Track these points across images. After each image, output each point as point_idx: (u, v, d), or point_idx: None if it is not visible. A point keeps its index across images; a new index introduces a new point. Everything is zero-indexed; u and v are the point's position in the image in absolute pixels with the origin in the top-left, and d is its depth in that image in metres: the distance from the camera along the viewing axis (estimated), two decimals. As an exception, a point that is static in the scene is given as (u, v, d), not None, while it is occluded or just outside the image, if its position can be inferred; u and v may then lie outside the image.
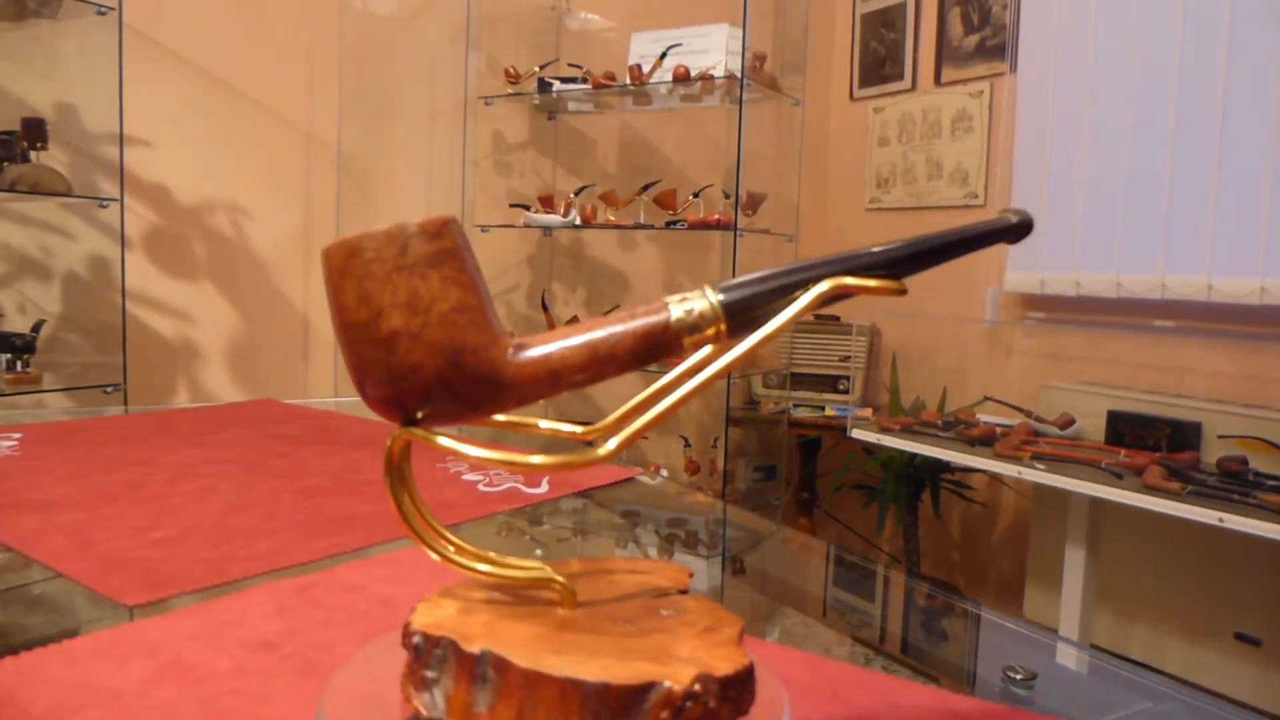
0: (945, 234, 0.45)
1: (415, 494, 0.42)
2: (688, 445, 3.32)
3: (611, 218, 3.01)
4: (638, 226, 3.00)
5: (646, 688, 0.33)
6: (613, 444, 0.39)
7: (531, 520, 0.99)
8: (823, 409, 3.30)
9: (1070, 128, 2.67)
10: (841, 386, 3.31)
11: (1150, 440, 2.44)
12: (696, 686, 0.33)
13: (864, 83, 3.30)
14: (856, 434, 2.73)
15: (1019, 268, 2.82)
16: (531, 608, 0.41)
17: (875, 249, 0.45)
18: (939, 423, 2.68)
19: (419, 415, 0.41)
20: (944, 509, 3.06)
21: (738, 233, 2.74)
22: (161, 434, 1.27)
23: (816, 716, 0.53)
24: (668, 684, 0.33)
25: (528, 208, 3.11)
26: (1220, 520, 1.88)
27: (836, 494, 3.41)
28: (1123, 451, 2.30)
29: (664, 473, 3.15)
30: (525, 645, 0.37)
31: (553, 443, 1.40)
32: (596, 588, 0.40)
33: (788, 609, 0.86)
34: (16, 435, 1.18)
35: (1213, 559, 2.35)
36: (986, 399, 2.80)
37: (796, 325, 3.32)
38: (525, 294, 3.45)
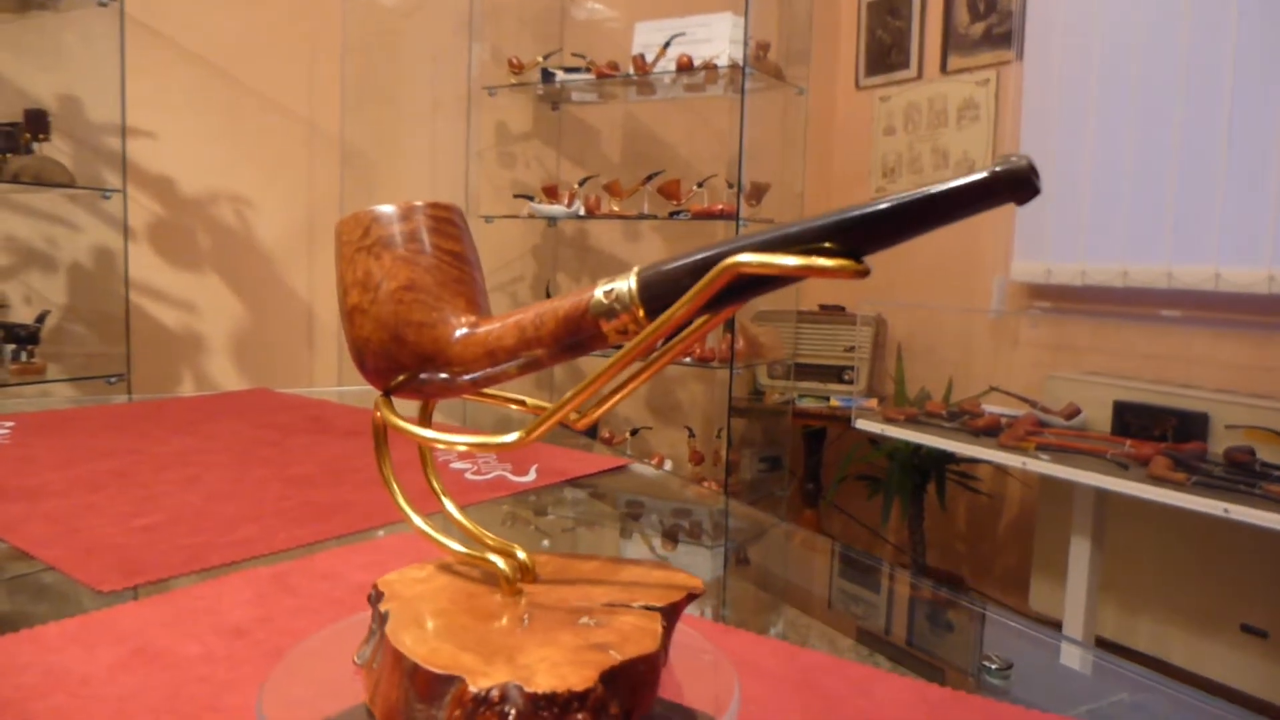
0: (911, 195, 0.34)
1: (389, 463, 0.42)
2: (692, 435, 3.31)
3: (615, 208, 3.00)
4: (641, 217, 2.99)
5: (449, 680, 0.33)
6: (512, 437, 0.39)
7: (534, 509, 0.98)
8: (828, 399, 3.29)
9: (1077, 116, 2.65)
10: (847, 377, 3.29)
11: (1157, 431, 2.42)
12: (494, 693, 0.32)
13: (870, 71, 3.27)
14: (861, 424, 2.72)
15: (1025, 257, 2.79)
16: (487, 589, 0.41)
17: (816, 219, 0.36)
18: (944, 413, 2.67)
19: (390, 385, 0.42)
20: (949, 500, 3.04)
21: (741, 222, 2.73)
22: (153, 423, 1.27)
23: (785, 706, 0.53)
24: (466, 682, 0.33)
25: (532, 198, 3.10)
26: (1226, 511, 1.86)
27: (841, 485, 3.40)
28: (1128, 442, 2.28)
29: (668, 463, 3.15)
30: (421, 614, 0.38)
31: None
32: (566, 585, 0.40)
33: (782, 601, 0.86)
34: (9, 424, 1.18)
35: (1219, 550, 2.33)
36: (992, 389, 2.78)
37: (800, 315, 3.31)
38: (530, 285, 3.45)
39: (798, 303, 3.43)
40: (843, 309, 3.34)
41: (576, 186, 3.07)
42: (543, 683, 0.32)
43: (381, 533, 0.85)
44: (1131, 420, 2.48)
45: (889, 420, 2.67)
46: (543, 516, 1.02)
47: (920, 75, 3.10)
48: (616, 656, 0.32)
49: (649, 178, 2.93)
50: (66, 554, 0.75)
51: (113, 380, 2.43)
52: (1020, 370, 2.88)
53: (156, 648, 0.60)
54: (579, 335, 0.37)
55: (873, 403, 3.12)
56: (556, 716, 0.31)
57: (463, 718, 0.32)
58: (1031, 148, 2.75)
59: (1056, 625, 2.36)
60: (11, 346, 2.29)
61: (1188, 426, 2.37)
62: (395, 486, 0.43)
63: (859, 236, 0.34)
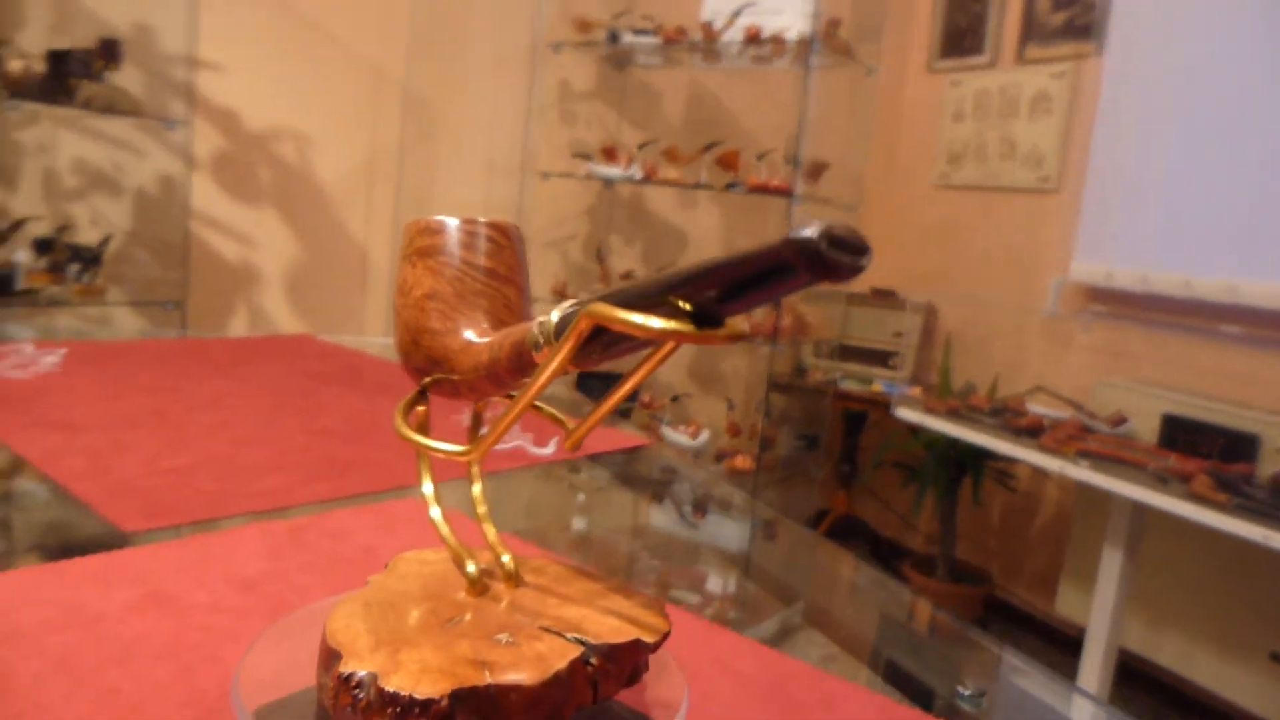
0: (701, 265, 0.31)
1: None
2: (731, 407, 3.31)
3: (673, 175, 2.98)
4: (698, 186, 2.97)
5: (335, 655, 0.37)
6: (460, 448, 0.41)
7: (551, 482, 1.00)
8: (871, 383, 3.26)
9: (1153, 117, 2.56)
10: (892, 363, 3.26)
11: (1204, 448, 2.37)
12: (356, 677, 0.35)
13: (943, 54, 3.19)
14: (902, 413, 2.70)
15: (1086, 258, 2.73)
16: (464, 586, 0.43)
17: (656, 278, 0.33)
18: (987, 409, 2.63)
19: (421, 384, 0.44)
20: (984, 495, 3.01)
21: (795, 200, 2.70)
22: (196, 362, 1.31)
23: (749, 713, 0.54)
24: (342, 659, 0.36)
25: (590, 159, 3.10)
26: (1265, 538, 1.82)
27: (877, 470, 3.39)
28: (1173, 456, 2.23)
29: (705, 433, 3.16)
30: (387, 593, 0.42)
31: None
32: (533, 598, 0.41)
33: (781, 602, 0.87)
34: (61, 351, 1.23)
35: (1256, 575, 2.28)
36: (1038, 389, 2.74)
37: (850, 297, 3.28)
38: (582, 244, 3.46)
39: (847, 287, 3.39)
40: (894, 294, 3.30)
41: (635, 150, 3.06)
42: (396, 682, 0.34)
43: (396, 496, 0.87)
44: (1179, 435, 2.43)
45: (930, 411, 2.64)
46: (557, 489, 1.04)
47: (995, 62, 3.01)
48: (485, 679, 0.34)
49: (708, 146, 2.90)
50: (97, 490, 0.79)
51: (169, 307, 2.51)
52: (1070, 372, 2.83)
53: (168, 593, 0.63)
54: (522, 362, 0.38)
55: (916, 391, 3.09)
56: (398, 715, 0.33)
57: (333, 691, 0.35)
58: (1104, 146, 2.67)
59: (1081, 631, 2.34)
60: (75, 267, 2.37)
61: (1236, 447, 2.31)
62: (426, 471, 0.45)
63: (690, 296, 0.31)
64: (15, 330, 2.13)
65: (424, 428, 0.45)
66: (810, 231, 0.27)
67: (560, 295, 3.24)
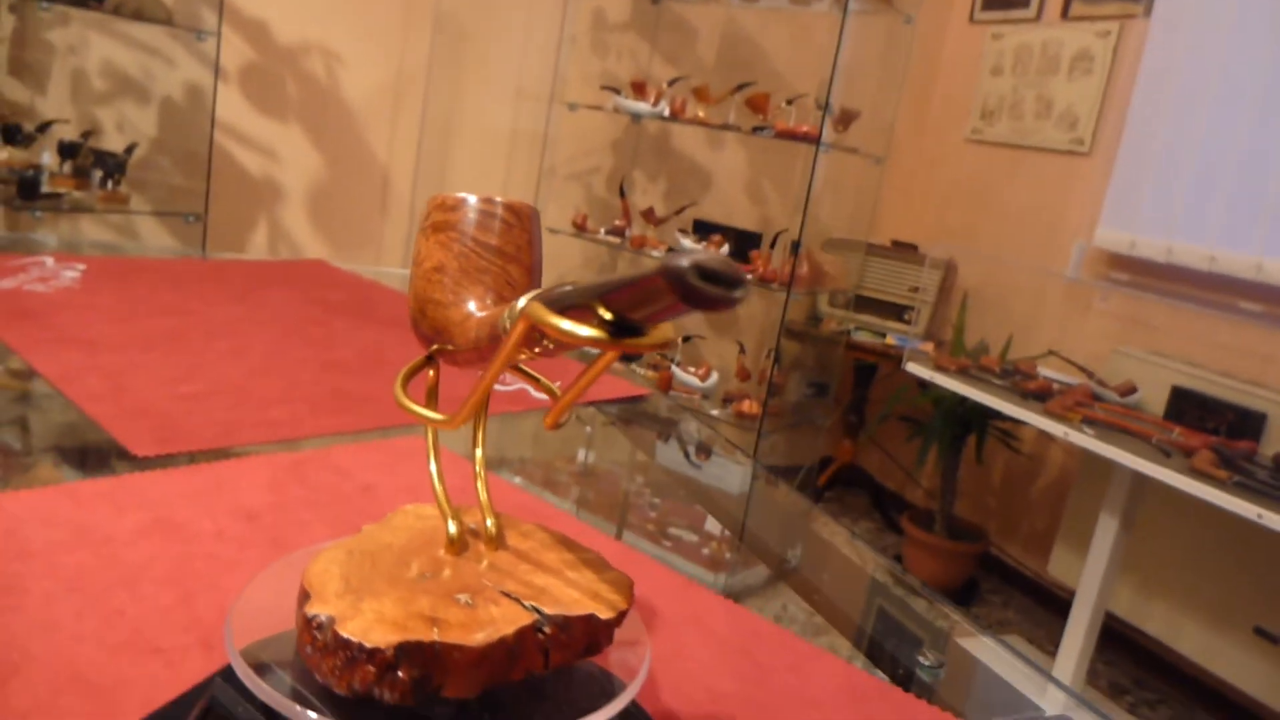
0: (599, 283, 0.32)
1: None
2: (742, 352, 3.33)
3: (701, 114, 2.95)
4: (725, 127, 2.94)
5: (306, 595, 0.40)
6: (441, 417, 0.44)
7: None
8: (884, 336, 3.26)
9: (1194, 86, 2.50)
10: (907, 317, 3.26)
11: (1210, 423, 2.37)
12: (318, 618, 0.38)
13: (987, 5, 3.11)
14: (912, 368, 2.70)
15: (1112, 225, 2.69)
16: (439, 538, 0.45)
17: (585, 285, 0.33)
18: (997, 369, 2.63)
19: (429, 351, 0.47)
20: (988, 454, 3.03)
21: (823, 147, 2.67)
22: (212, 284, 1.33)
23: (718, 669, 0.57)
24: (310, 600, 0.39)
25: (618, 92, 3.06)
26: (1259, 516, 1.84)
27: (884, 422, 3.41)
28: (1178, 429, 2.24)
29: (714, 375, 3.18)
30: (377, 541, 0.45)
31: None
32: (507, 561, 0.43)
33: (764, 563, 0.89)
34: (81, 266, 1.25)
35: (1247, 551, 2.30)
36: (1051, 353, 2.73)
37: (870, 248, 3.26)
38: (605, 178, 3.44)
39: (869, 234, 3.37)
40: (915, 248, 3.28)
41: (665, 86, 3.02)
42: (350, 628, 0.36)
43: (401, 433, 0.90)
44: (1187, 408, 2.43)
45: (940, 368, 2.65)
46: (565, 427, 1.06)
47: (1039, 17, 2.94)
48: (433, 635, 0.36)
49: (739, 87, 2.86)
50: (112, 413, 0.82)
51: (190, 219, 2.53)
52: (1085, 339, 2.82)
53: (175, 520, 0.67)
54: (496, 341, 0.40)
55: (928, 346, 3.09)
56: (347, 659, 0.36)
57: (299, 627, 0.39)
58: (1140, 111, 2.62)
59: (1071, 594, 2.38)
60: (99, 173, 2.38)
61: (1243, 424, 2.32)
62: (431, 432, 0.46)
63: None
64: (38, 237, 2.16)
65: (432, 392, 0.47)
66: (683, 261, 0.28)
67: (580, 228, 3.24)
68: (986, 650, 0.63)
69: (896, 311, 3.29)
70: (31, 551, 0.60)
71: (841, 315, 3.37)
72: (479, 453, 0.45)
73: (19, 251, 1.28)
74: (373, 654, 0.36)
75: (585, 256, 3.52)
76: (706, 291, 0.27)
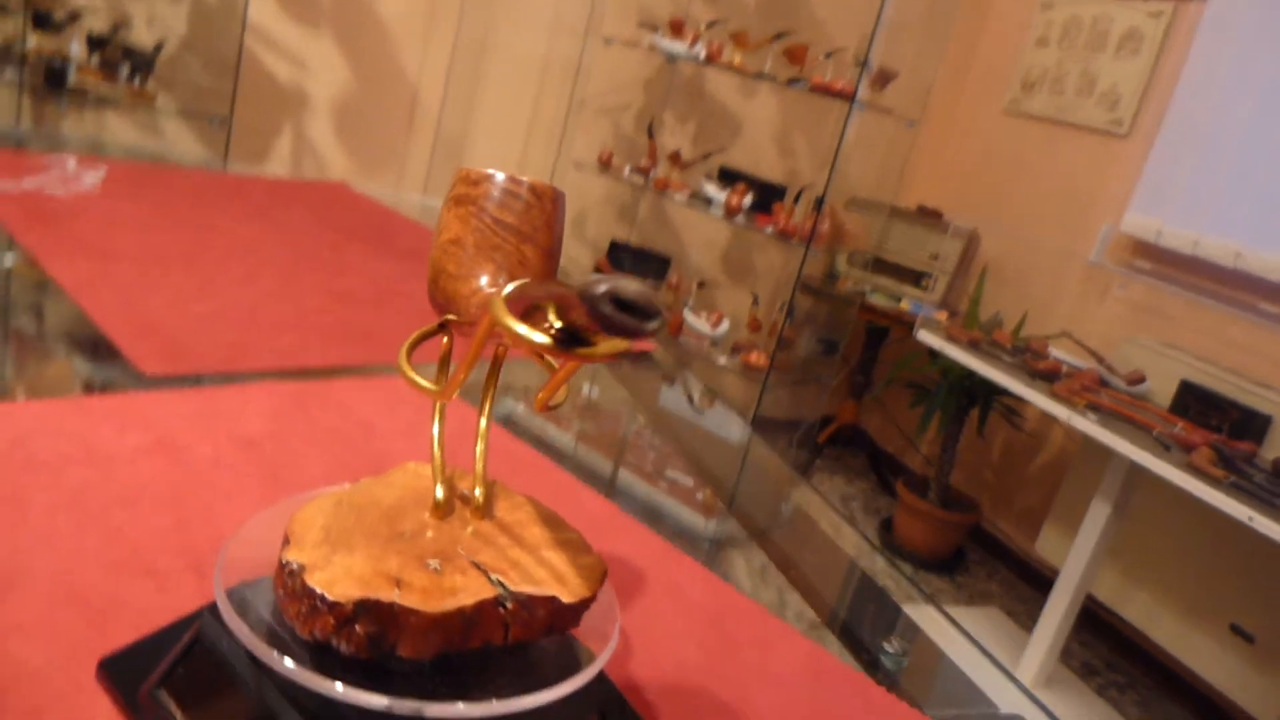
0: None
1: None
2: (756, 302, 3.33)
3: (737, 60, 2.90)
4: (760, 76, 2.89)
5: (286, 541, 0.42)
6: (434, 387, 0.46)
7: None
8: (899, 300, 3.25)
9: (1243, 79, 2.44)
10: (924, 284, 3.24)
11: (1214, 420, 2.37)
12: (291, 565, 0.40)
13: (1041, -30, 3.02)
14: (923, 336, 2.70)
15: (1141, 210, 2.66)
16: (425, 496, 0.46)
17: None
18: (1009, 346, 2.63)
19: (441, 319, 0.47)
20: (989, 428, 3.04)
21: (857, 105, 2.63)
22: (232, 199, 1.34)
23: (687, 638, 0.59)
24: (288, 547, 0.41)
25: (656, 30, 3.01)
26: (1250, 519, 1.85)
27: (889, 386, 3.41)
28: (1181, 424, 2.24)
29: (725, 323, 3.18)
30: (369, 496, 0.46)
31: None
32: (489, 530, 0.44)
33: (750, 537, 0.91)
34: (102, 169, 1.26)
35: (1234, 551, 2.32)
36: (1064, 334, 2.72)
37: (894, 211, 3.23)
38: (635, 116, 3.40)
39: (895, 197, 3.34)
40: (939, 215, 3.25)
41: (703, 27, 2.96)
42: (317, 579, 0.38)
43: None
44: (1193, 403, 2.43)
45: (951, 338, 2.64)
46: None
47: (1095, -13, 2.85)
48: (391, 596, 0.38)
49: (777, 36, 2.81)
50: (123, 328, 0.83)
51: (214, 122, 2.52)
52: (1100, 323, 2.81)
53: (177, 442, 0.68)
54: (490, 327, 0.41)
55: (942, 315, 3.08)
56: (311, 607, 0.38)
57: (276, 571, 0.41)
58: (1185, 98, 2.56)
59: (1055, 573, 2.41)
60: (127, 68, 2.37)
61: (1247, 424, 2.31)
62: (437, 407, 0.47)
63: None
64: (64, 130, 2.15)
65: (445, 358, 0.48)
66: (600, 287, 0.28)
67: (605, 164, 3.21)
68: (952, 642, 0.65)
69: (914, 277, 3.27)
70: (37, 464, 0.62)
71: (859, 275, 3.35)
72: (483, 422, 0.46)
73: (43, 149, 1.29)
74: (333, 606, 0.38)
75: (608, 194, 3.50)
76: (616, 320, 0.28)
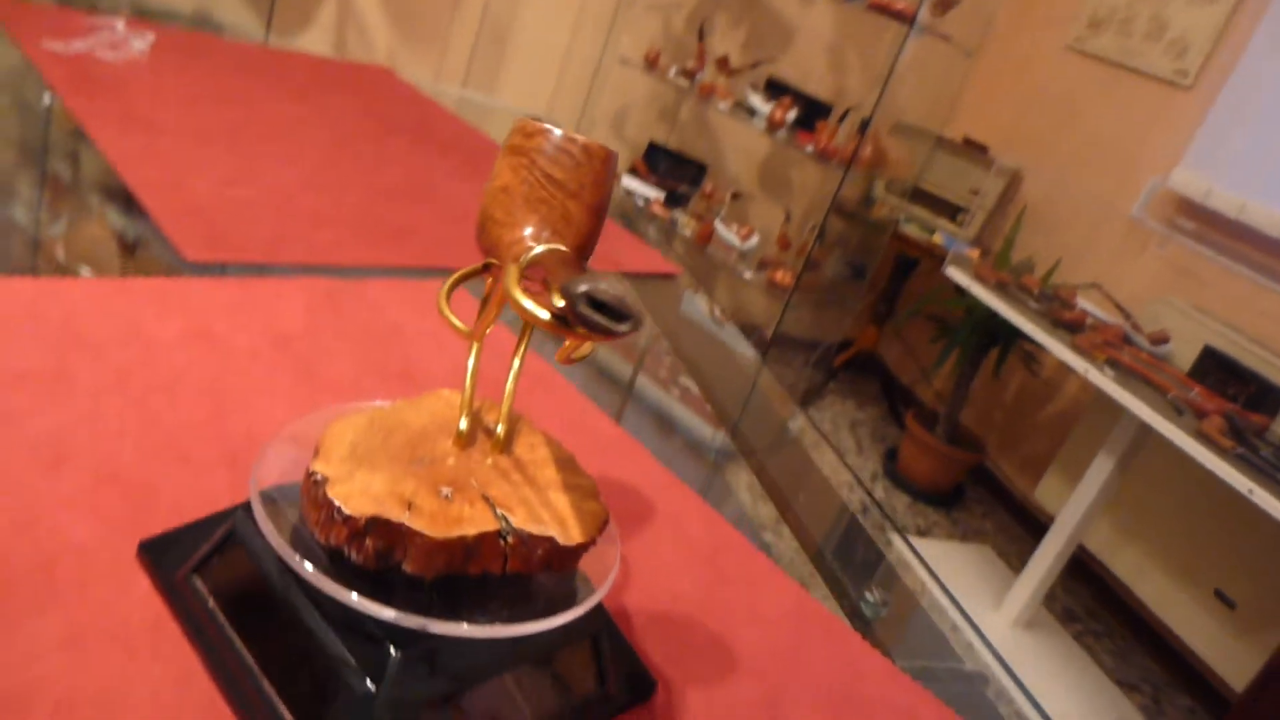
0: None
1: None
2: (788, 219, 3.30)
3: (797, -34, 2.80)
4: (819, -14, 2.80)
5: (315, 452, 0.45)
6: (464, 327, 0.48)
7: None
8: (933, 233, 3.22)
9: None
10: (960, 219, 3.20)
11: (1232, 390, 2.37)
12: (316, 476, 0.43)
13: (1128, -99, 2.87)
14: (952, 272, 2.69)
15: (1192, 167, 2.60)
16: (451, 425, 0.49)
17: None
18: (1036, 291, 2.61)
19: (485, 261, 0.49)
20: (1006, 371, 3.05)
21: (914, 29, 2.55)
22: (276, 77, 1.34)
23: (682, 571, 0.62)
24: (315, 457, 0.44)
25: (717, -74, 2.90)
26: (1250, 492, 1.87)
27: (912, 318, 3.41)
28: (1198, 389, 2.24)
29: (755, 238, 3.17)
30: (399, 417, 0.49)
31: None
32: (502, 463, 0.47)
33: (751, 470, 0.94)
34: (150, 36, 1.25)
35: (1230, 519, 2.35)
36: (1094, 286, 2.70)
37: (939, 142, 3.17)
38: (686, 15, 3.31)
39: (943, 127, 3.27)
40: (985, 150, 3.18)
41: (767, -71, 2.85)
42: (336, 491, 0.42)
43: (431, 275, 0.93)
44: (1213, 370, 2.42)
45: (979, 278, 2.63)
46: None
47: (1181, -75, 2.72)
48: (402, 517, 0.41)
49: (843, -54, 2.71)
50: (167, 208, 0.85)
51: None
52: (1133, 278, 2.78)
53: (215, 332, 0.71)
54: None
55: (974, 253, 3.05)
56: (328, 516, 0.41)
57: (304, 478, 0.44)
58: (1256, 55, 2.47)
59: (1050, 520, 2.45)
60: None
61: (1264, 397, 2.31)
62: (474, 357, 0.49)
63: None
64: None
65: (488, 299, 0.50)
66: (581, 286, 0.30)
67: (651, 63, 3.14)
68: (930, 595, 0.68)
69: (951, 211, 3.23)
70: (85, 342, 0.65)
71: (895, 203, 3.31)
72: (516, 362, 0.48)
73: (92, 9, 1.28)
74: (347, 519, 0.41)
75: (651, 94, 3.44)
76: (590, 318, 0.31)
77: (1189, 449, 1.98)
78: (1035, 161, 3.10)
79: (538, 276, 0.40)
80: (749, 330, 3.60)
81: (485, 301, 0.49)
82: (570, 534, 0.43)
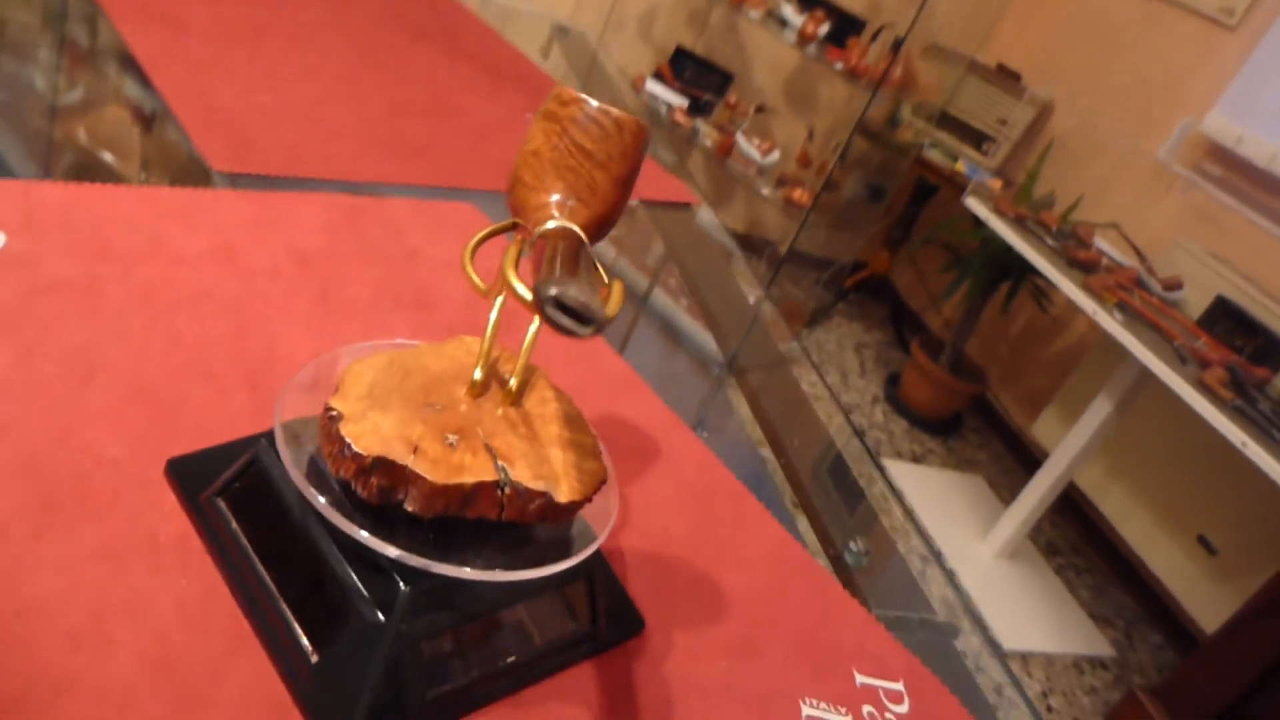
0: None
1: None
2: (810, 137, 3.26)
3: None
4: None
5: (335, 389, 0.47)
6: (483, 286, 0.50)
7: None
8: (955, 160, 3.17)
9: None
10: (985, 148, 3.15)
11: (1239, 341, 2.37)
12: (332, 413, 0.46)
13: None
14: (971, 203, 2.66)
15: (1226, 112, 2.55)
16: (468, 373, 0.51)
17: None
18: (1054, 228, 2.60)
19: (513, 219, 0.51)
20: (1015, 305, 3.05)
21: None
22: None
23: (677, 514, 0.65)
24: (335, 393, 0.47)
25: None
26: (1244, 445, 1.89)
27: (926, 245, 3.40)
28: (1204, 338, 2.25)
29: (776, 153, 3.13)
30: (418, 361, 0.51)
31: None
32: (511, 415, 0.49)
33: (754, 420, 0.96)
34: (176, -77, 1.23)
35: (1220, 468, 2.39)
36: (1113, 226, 2.68)
37: (972, 66, 3.09)
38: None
39: (977, 51, 3.18)
40: (1018, 79, 3.11)
41: None
42: (348, 429, 0.44)
43: (451, 196, 0.94)
44: (1223, 319, 2.43)
45: (998, 211, 2.61)
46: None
47: None
48: (406, 459, 0.44)
49: None
50: (194, 113, 0.86)
51: None
52: (1154, 220, 2.75)
53: (237, 248, 0.73)
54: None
55: (996, 184, 3.01)
56: (339, 451, 0.44)
57: (322, 412, 0.47)
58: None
59: (1044, 455, 2.49)
60: None
61: (1270, 350, 2.32)
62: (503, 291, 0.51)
63: None
64: None
65: (515, 259, 0.51)
66: (551, 290, 0.34)
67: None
68: (912, 546, 0.71)
69: (976, 139, 3.18)
70: (112, 255, 0.67)
71: (920, 127, 3.25)
72: (536, 320, 0.49)
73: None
74: (355, 456, 0.43)
75: (681, -4, 3.35)
76: (555, 319, 0.34)
77: (1188, 398, 2.00)
78: (1067, 93, 3.04)
79: (539, 252, 0.42)
80: (762, 245, 3.59)
81: (514, 259, 0.50)
82: (565, 491, 0.46)
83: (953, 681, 0.59)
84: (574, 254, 0.40)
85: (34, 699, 0.40)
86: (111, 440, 0.53)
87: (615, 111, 0.47)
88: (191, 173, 0.80)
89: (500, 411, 0.49)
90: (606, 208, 0.47)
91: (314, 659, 0.45)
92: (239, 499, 0.50)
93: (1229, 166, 2.59)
